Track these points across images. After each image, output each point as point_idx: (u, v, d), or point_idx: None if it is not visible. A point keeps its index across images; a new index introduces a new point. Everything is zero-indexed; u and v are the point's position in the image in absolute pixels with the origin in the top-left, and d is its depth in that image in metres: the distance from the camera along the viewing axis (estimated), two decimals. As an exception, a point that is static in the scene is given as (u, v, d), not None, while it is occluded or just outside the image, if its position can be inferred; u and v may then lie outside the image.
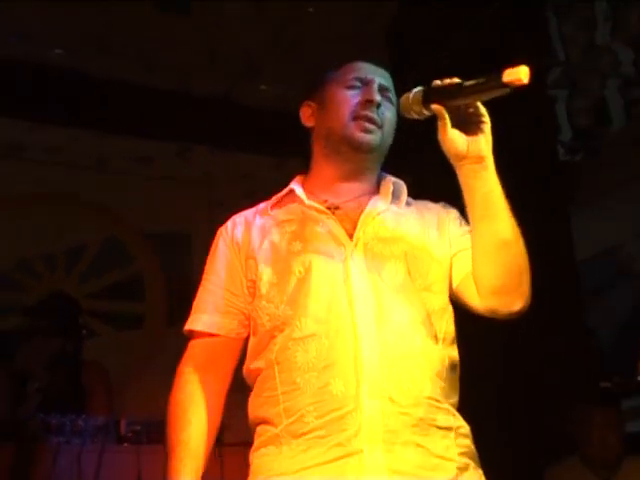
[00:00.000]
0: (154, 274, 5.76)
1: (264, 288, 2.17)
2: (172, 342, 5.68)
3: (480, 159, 2.01)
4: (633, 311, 9.74)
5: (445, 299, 2.20)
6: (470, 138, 1.99)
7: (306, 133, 2.38)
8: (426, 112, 1.97)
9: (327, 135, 2.29)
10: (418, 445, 2.01)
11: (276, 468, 2.05)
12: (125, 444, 3.61)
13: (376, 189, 2.31)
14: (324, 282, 2.11)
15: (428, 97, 1.96)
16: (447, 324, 2.18)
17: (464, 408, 2.20)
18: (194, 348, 2.26)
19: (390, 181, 2.32)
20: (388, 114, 2.27)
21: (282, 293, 2.14)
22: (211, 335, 2.24)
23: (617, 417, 4.87)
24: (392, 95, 2.30)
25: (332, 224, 2.20)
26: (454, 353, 2.19)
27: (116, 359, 5.10)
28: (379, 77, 2.29)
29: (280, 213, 2.28)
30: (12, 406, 4.31)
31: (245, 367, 2.22)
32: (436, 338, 2.13)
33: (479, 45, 5.56)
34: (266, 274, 2.18)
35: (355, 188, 2.28)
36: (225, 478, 3.10)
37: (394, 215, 2.25)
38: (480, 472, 2.15)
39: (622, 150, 6.84)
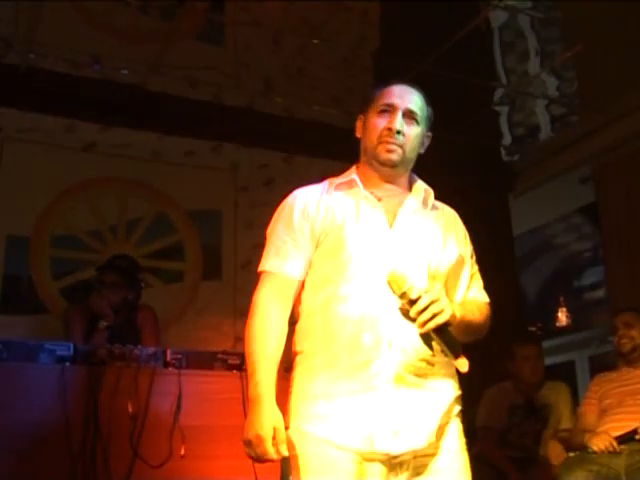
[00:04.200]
0: (192, 241, 5.75)
1: (322, 252, 2.18)
2: (204, 293, 5.74)
3: None
4: (552, 275, 9.78)
5: (454, 292, 2.24)
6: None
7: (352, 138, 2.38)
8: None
9: (365, 149, 2.30)
10: (419, 385, 2.07)
11: (315, 391, 2.09)
12: (170, 368, 3.61)
13: (408, 188, 2.31)
14: (367, 255, 2.12)
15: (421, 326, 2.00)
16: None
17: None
18: (268, 283, 2.20)
19: (421, 186, 2.31)
20: (412, 133, 2.24)
21: (334, 258, 2.14)
22: (281, 275, 2.20)
23: (539, 352, 4.89)
24: (419, 114, 2.26)
25: (379, 211, 2.20)
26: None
27: (164, 305, 5.11)
28: (406, 102, 2.24)
29: (341, 195, 2.25)
30: (86, 338, 4.32)
31: (295, 306, 2.22)
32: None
33: (445, 69, 5.51)
34: (326, 241, 2.17)
35: (391, 188, 2.27)
36: (246, 398, 2.97)
37: (423, 216, 2.26)
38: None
39: (548, 154, 6.82)
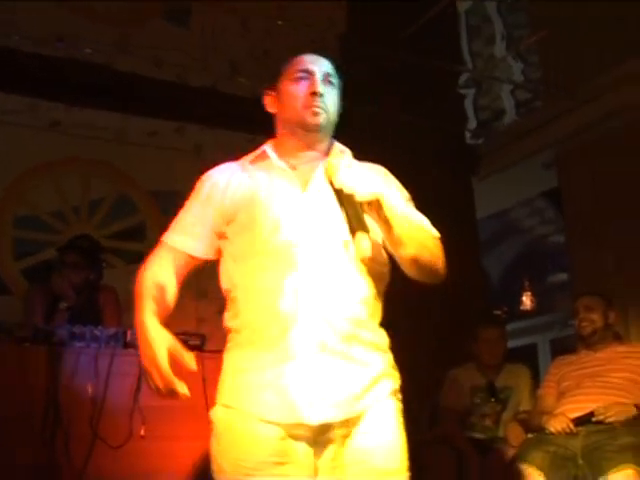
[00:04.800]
0: (154, 222, 5.71)
1: (236, 227, 2.13)
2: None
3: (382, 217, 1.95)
4: (516, 258, 9.85)
5: (378, 244, 2.10)
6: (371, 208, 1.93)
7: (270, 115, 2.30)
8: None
9: (285, 119, 2.22)
10: (344, 354, 2.01)
11: (240, 366, 2.06)
12: (130, 349, 3.56)
13: (327, 154, 2.22)
14: (280, 224, 2.07)
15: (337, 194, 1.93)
16: (380, 259, 2.12)
17: (390, 328, 2.17)
18: (165, 254, 2.22)
19: (338, 148, 2.26)
20: (331, 97, 2.19)
21: (249, 231, 2.09)
22: (175, 250, 2.21)
23: (500, 335, 4.94)
24: (334, 77, 2.21)
25: (292, 178, 2.15)
26: (384, 281, 2.18)
27: (125, 285, 5.04)
28: (320, 66, 2.20)
29: (255, 169, 2.20)
30: (47, 318, 4.29)
31: (222, 288, 2.18)
32: (370, 269, 2.09)
33: (411, 53, 5.53)
34: (239, 215, 2.12)
35: (310, 154, 2.20)
36: (206, 378, 2.99)
37: None
38: (397, 374, 2.15)
39: (512, 138, 6.85)
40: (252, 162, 2.23)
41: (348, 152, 2.26)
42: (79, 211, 5.57)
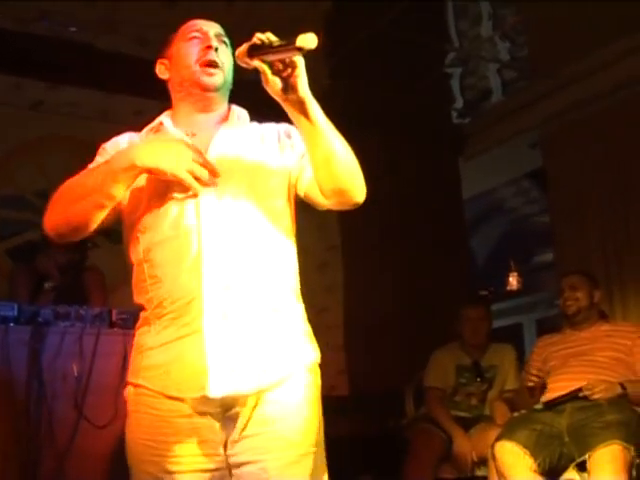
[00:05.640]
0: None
1: (132, 200, 2.05)
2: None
3: (298, 97, 1.87)
4: (501, 238, 9.87)
5: (284, 203, 2.10)
6: (288, 82, 1.86)
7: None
8: (251, 64, 1.87)
9: (180, 82, 2.14)
10: (251, 325, 1.96)
11: (147, 343, 2.01)
12: (115, 328, 3.56)
13: (225, 118, 2.17)
14: (178, 195, 2.00)
15: (250, 54, 1.85)
16: (285, 224, 2.09)
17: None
18: None
19: (235, 110, 2.20)
20: (226, 55, 2.14)
21: (145, 203, 2.02)
22: None
23: (486, 314, 4.96)
24: (227, 40, 2.17)
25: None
26: (291, 248, 2.12)
27: (111, 265, 5.02)
28: (212, 27, 2.16)
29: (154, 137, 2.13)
30: (31, 298, 4.26)
31: (127, 259, 2.13)
32: (275, 235, 2.05)
33: (397, 31, 5.49)
34: (135, 187, 2.03)
35: (208, 119, 2.14)
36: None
37: (238, 138, 2.12)
38: (314, 348, 2.09)
39: (498, 118, 6.85)
40: (149, 133, 2.17)
41: (245, 112, 2.22)
42: (64, 191, 5.52)
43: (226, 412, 1.94)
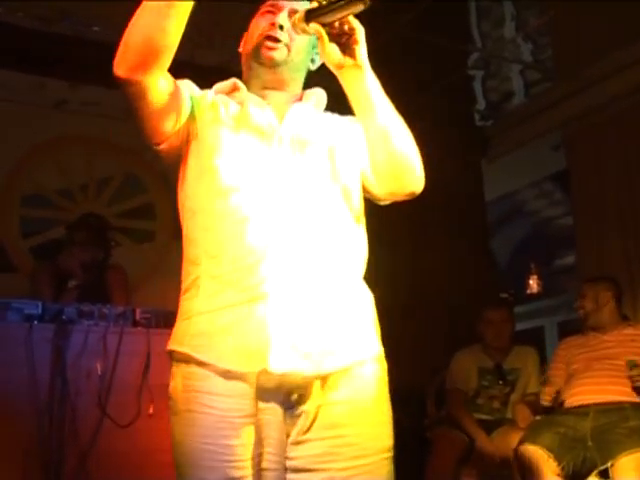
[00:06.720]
0: (163, 201, 5.68)
1: (201, 144, 1.90)
2: (175, 252, 5.66)
3: (356, 66, 1.80)
4: (523, 241, 9.82)
5: (357, 186, 1.95)
6: (346, 49, 1.78)
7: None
8: (309, 30, 1.78)
9: (246, 56, 2.03)
10: (322, 301, 1.78)
11: (196, 307, 1.80)
12: (139, 327, 3.57)
13: (299, 99, 2.04)
14: (253, 151, 1.87)
15: (308, 18, 1.76)
16: (358, 207, 1.93)
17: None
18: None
19: (311, 92, 2.06)
20: (298, 36, 1.96)
21: (216, 150, 1.87)
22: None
23: (509, 317, 4.93)
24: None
25: (267, 108, 1.94)
26: (362, 233, 1.93)
27: (134, 264, 5.06)
28: (292, 4, 2.00)
29: (224, 96, 1.99)
30: (55, 296, 4.28)
31: (179, 205, 1.96)
32: (348, 216, 1.89)
33: (419, 33, 5.47)
34: (209, 136, 1.90)
35: (279, 97, 1.99)
36: None
37: (314, 114, 2.01)
38: (379, 338, 1.90)
39: (520, 120, 6.81)
40: (219, 91, 2.02)
41: (323, 93, 2.08)
42: (87, 189, 5.54)
43: (286, 404, 1.74)
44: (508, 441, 4.19)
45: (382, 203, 2.02)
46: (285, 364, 1.70)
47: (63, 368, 3.36)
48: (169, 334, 3.40)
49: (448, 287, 5.93)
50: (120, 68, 1.77)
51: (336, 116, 2.07)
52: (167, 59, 1.78)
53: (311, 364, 1.72)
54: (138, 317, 3.58)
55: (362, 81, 1.83)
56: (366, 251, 1.94)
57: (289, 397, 1.74)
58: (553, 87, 6.71)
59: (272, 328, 1.71)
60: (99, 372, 3.41)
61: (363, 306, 1.88)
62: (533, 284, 9.59)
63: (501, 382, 4.69)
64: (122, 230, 5.43)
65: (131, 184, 5.67)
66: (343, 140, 1.98)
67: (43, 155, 5.49)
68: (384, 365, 1.88)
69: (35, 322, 3.44)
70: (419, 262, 5.92)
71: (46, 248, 5.24)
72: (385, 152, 1.87)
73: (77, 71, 5.44)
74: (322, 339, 1.75)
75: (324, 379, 1.76)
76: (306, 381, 1.74)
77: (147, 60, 1.76)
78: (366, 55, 1.82)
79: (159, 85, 1.81)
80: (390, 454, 1.81)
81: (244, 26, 2.16)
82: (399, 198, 1.97)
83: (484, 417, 4.62)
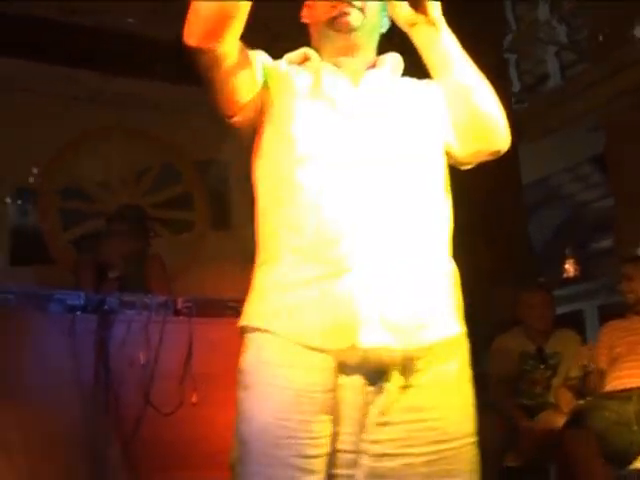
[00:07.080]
0: (200, 191, 5.71)
1: (279, 110, 1.83)
2: (213, 241, 5.69)
3: (429, 22, 1.76)
4: (560, 225, 9.73)
5: (441, 154, 1.87)
6: (417, 5, 1.74)
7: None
8: None
9: (317, 23, 1.93)
10: (410, 273, 1.71)
11: (274, 280, 1.74)
12: (180, 317, 3.57)
13: (373, 65, 1.95)
14: (331, 117, 1.81)
15: None
16: (442, 176, 1.85)
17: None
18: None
19: (386, 57, 1.97)
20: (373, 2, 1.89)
21: (294, 118, 1.80)
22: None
23: (550, 300, 4.87)
24: None
25: (341, 74, 1.88)
26: (447, 205, 1.85)
27: (172, 254, 5.08)
28: None
29: (297, 67, 1.93)
30: (96, 288, 4.28)
31: (253, 179, 1.88)
32: (434, 186, 1.82)
33: (456, 18, 5.43)
34: (284, 105, 1.83)
35: (352, 62, 1.91)
36: None
37: (392, 79, 1.93)
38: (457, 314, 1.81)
39: (556, 103, 6.74)
40: (291, 62, 1.96)
41: (399, 58, 1.99)
42: (124, 181, 5.57)
43: (368, 381, 1.68)
44: (552, 426, 4.15)
45: (465, 167, 1.96)
46: (374, 338, 1.64)
47: (106, 358, 3.38)
48: (211, 323, 3.39)
49: (485, 269, 5.88)
50: (192, 37, 1.71)
51: (414, 80, 1.99)
52: (239, 26, 1.72)
53: (400, 338, 1.65)
54: (180, 306, 3.58)
55: (437, 38, 1.79)
56: (452, 222, 1.86)
57: (371, 374, 1.67)
58: (588, 69, 6.64)
59: (360, 302, 1.64)
60: (142, 361, 3.42)
61: (449, 280, 1.80)
62: (570, 268, 9.51)
63: (543, 366, 4.64)
64: (160, 220, 5.46)
65: (168, 174, 5.70)
66: (422, 106, 1.91)
67: (81, 147, 5.54)
68: (466, 345, 1.82)
69: (78, 313, 3.46)
70: (454, 244, 5.89)
71: (85, 240, 5.29)
72: (468, 111, 1.82)
73: (112, 63, 5.46)
74: (411, 312, 1.68)
75: (408, 359, 1.69)
76: (391, 357, 1.67)
77: (219, 27, 1.69)
78: (439, 10, 1.77)
79: (232, 53, 1.75)
80: (474, 439, 1.74)
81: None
82: (483, 158, 1.91)
83: (526, 402, 4.57)
